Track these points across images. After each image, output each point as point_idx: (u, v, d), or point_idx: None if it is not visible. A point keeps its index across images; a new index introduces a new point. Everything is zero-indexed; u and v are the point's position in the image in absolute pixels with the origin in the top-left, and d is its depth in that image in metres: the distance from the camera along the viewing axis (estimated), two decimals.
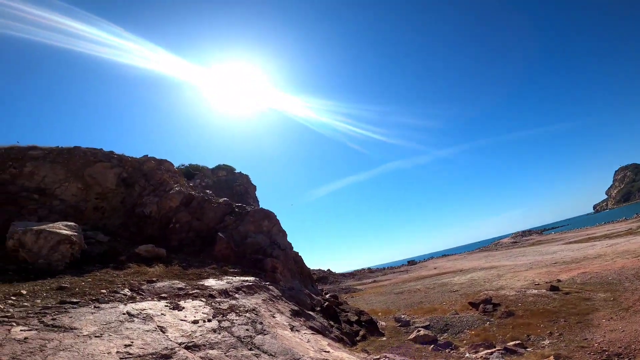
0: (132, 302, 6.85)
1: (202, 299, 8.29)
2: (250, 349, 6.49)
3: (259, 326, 7.82)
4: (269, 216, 16.36)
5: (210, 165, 29.80)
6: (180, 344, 5.55)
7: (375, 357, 9.50)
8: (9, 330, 4.49)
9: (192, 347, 5.63)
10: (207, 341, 6.05)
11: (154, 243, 12.36)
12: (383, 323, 14.36)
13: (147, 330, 5.60)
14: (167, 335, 5.70)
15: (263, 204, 27.34)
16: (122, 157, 16.66)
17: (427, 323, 13.30)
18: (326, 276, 49.15)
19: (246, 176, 30.09)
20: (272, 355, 6.59)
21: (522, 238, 76.37)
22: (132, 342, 4.95)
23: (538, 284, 17.09)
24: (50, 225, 10.48)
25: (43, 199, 13.79)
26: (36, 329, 4.67)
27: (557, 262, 24.28)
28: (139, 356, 4.64)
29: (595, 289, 14.23)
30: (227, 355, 5.90)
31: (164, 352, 5.01)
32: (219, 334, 6.58)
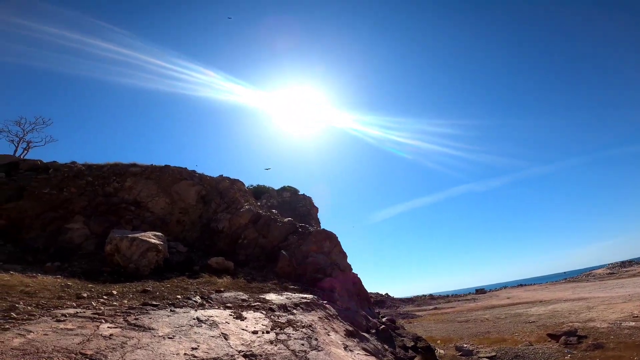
0: (201, 309, 7.73)
1: (263, 312, 8.93)
2: None
3: (313, 342, 8.15)
4: (331, 237, 16.83)
5: (276, 186, 31.54)
6: (239, 351, 6.15)
7: None
8: (98, 326, 5.43)
9: (249, 356, 6.18)
10: (263, 351, 6.57)
11: (224, 256, 13.60)
12: (442, 351, 13.76)
13: (212, 336, 6.32)
14: (229, 342, 6.35)
15: (324, 225, 28.01)
16: (202, 176, 18.64)
17: (493, 354, 12.44)
18: (384, 300, 48.00)
19: (309, 198, 31.24)
20: None
21: (620, 269, 66.24)
22: (198, 346, 5.66)
23: (637, 317, 15.11)
24: (142, 234, 12.16)
25: (138, 210, 15.98)
26: (121, 327, 5.59)
27: None
28: None
29: None
30: None
31: (225, 358, 5.64)
32: (276, 345, 7.07)
